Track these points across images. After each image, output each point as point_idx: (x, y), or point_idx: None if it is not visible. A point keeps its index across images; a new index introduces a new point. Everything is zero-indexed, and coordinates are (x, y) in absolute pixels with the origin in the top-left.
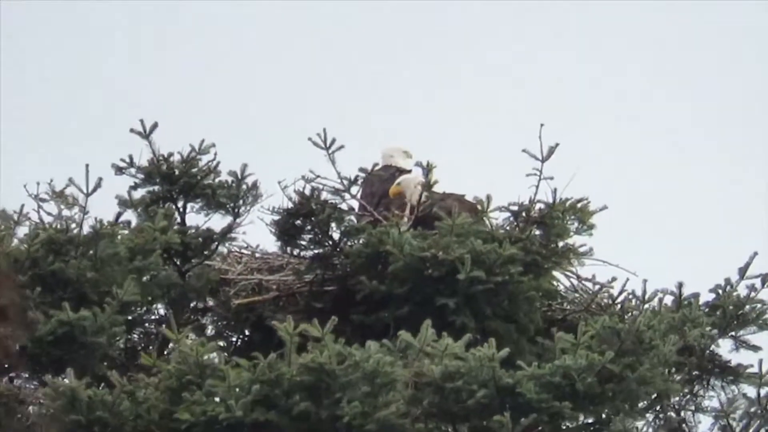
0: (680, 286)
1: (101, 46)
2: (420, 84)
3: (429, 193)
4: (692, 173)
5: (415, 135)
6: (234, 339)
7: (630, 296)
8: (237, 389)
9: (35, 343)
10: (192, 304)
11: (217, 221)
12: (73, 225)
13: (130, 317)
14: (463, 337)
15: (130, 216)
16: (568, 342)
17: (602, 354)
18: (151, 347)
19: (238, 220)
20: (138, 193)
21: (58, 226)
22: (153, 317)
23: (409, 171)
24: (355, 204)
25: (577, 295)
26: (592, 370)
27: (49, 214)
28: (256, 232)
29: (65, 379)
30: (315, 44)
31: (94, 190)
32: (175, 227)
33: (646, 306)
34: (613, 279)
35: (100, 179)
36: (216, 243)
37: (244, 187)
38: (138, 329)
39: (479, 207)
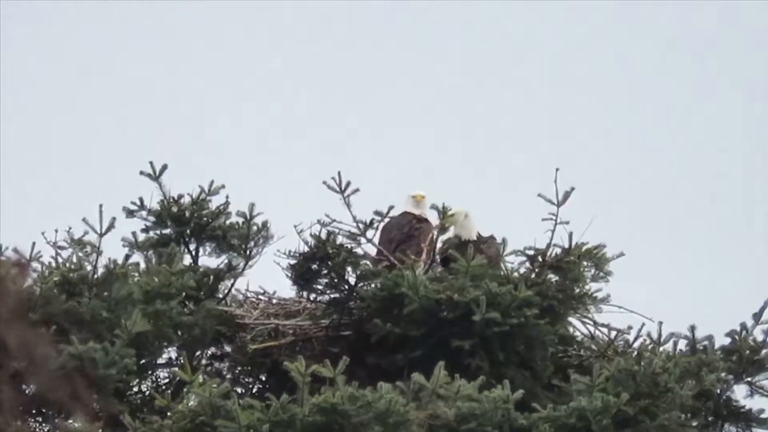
0: (693, 329)
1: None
2: (435, 126)
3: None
4: (706, 216)
5: (432, 179)
6: (250, 384)
7: (646, 340)
8: (249, 429)
9: (47, 381)
10: (206, 349)
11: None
12: (87, 265)
13: (143, 361)
14: (477, 379)
15: (138, 257)
16: (584, 384)
17: (618, 396)
18: (167, 391)
19: (249, 261)
20: (144, 235)
21: (71, 266)
22: (165, 361)
23: (424, 218)
24: (371, 248)
25: (593, 341)
26: (607, 413)
27: (60, 256)
28: (272, 275)
29: (76, 423)
30: (326, 84)
31: (108, 230)
32: (185, 267)
33: (661, 349)
34: (629, 328)
35: (114, 219)
36: (227, 283)
37: (254, 227)
38: (151, 373)
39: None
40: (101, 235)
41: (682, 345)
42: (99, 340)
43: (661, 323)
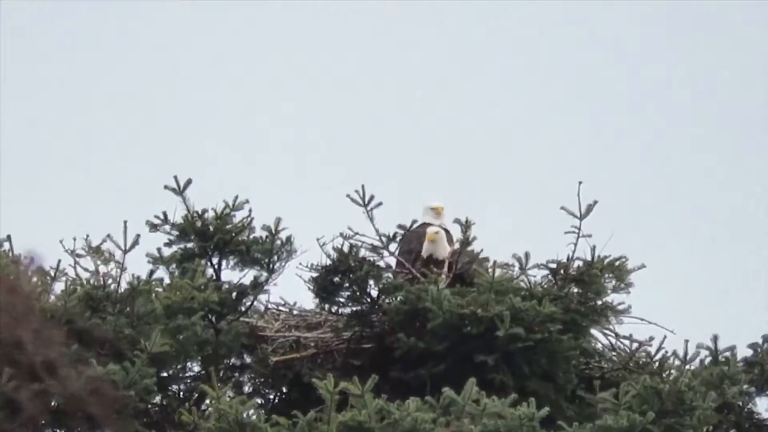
0: (716, 339)
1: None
2: (457, 140)
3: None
4: (728, 227)
5: (453, 191)
6: (271, 396)
7: (670, 356)
8: None
9: (68, 400)
10: (227, 361)
11: (252, 277)
12: (110, 281)
13: (165, 374)
14: (508, 397)
15: (163, 273)
16: (610, 402)
17: (644, 414)
18: (187, 404)
19: (272, 276)
20: (169, 250)
21: (95, 283)
22: (187, 374)
23: (444, 229)
24: (393, 261)
25: (614, 353)
26: (633, 431)
27: (86, 270)
28: (293, 288)
29: None
30: (345, 100)
31: (132, 246)
32: (211, 284)
33: (687, 366)
34: (651, 339)
35: (138, 236)
36: (251, 298)
37: (278, 242)
38: (173, 387)
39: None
40: (125, 252)
41: (703, 355)
42: (121, 357)
43: (687, 341)
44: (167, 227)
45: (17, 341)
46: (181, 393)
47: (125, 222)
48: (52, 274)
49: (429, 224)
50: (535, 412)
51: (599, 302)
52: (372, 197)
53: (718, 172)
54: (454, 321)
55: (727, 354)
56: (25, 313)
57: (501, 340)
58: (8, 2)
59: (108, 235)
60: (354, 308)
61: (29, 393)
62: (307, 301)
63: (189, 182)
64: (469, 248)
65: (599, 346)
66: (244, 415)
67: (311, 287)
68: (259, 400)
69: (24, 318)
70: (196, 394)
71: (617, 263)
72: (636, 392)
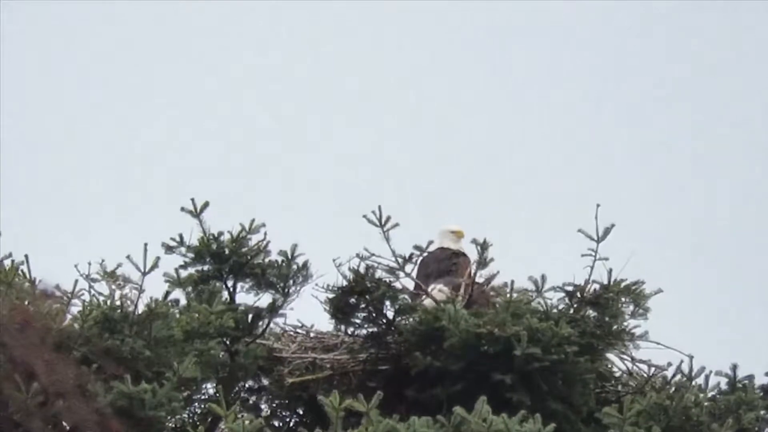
0: (735, 368)
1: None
2: (473, 161)
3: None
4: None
5: (469, 212)
6: (288, 418)
7: (686, 380)
8: None
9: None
10: (244, 384)
11: (267, 300)
12: (128, 303)
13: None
14: (517, 414)
15: (179, 294)
16: (615, 417)
17: (649, 430)
18: (202, 426)
19: (288, 300)
20: (186, 272)
21: (112, 304)
22: (203, 396)
23: (462, 253)
24: (409, 282)
25: (631, 377)
26: None
27: (100, 294)
28: (309, 310)
29: None
30: (363, 124)
31: (152, 269)
32: (225, 307)
33: (693, 383)
34: (668, 365)
35: (158, 258)
36: (266, 321)
37: (294, 267)
38: (188, 409)
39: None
40: (144, 274)
41: (723, 384)
42: (138, 378)
43: (692, 357)
44: (183, 249)
45: (30, 368)
46: (197, 416)
47: (145, 244)
48: (68, 296)
49: (447, 248)
50: (541, 428)
51: (615, 326)
52: (389, 218)
53: (740, 197)
54: (471, 340)
55: (745, 382)
56: (38, 339)
57: (518, 360)
58: (8, 2)
59: (128, 256)
60: (370, 329)
61: (42, 418)
62: (324, 323)
63: (206, 205)
64: (486, 271)
65: (615, 370)
66: None
67: (327, 308)
68: (276, 423)
69: (37, 345)
70: (211, 417)
71: (634, 287)
72: (642, 408)
